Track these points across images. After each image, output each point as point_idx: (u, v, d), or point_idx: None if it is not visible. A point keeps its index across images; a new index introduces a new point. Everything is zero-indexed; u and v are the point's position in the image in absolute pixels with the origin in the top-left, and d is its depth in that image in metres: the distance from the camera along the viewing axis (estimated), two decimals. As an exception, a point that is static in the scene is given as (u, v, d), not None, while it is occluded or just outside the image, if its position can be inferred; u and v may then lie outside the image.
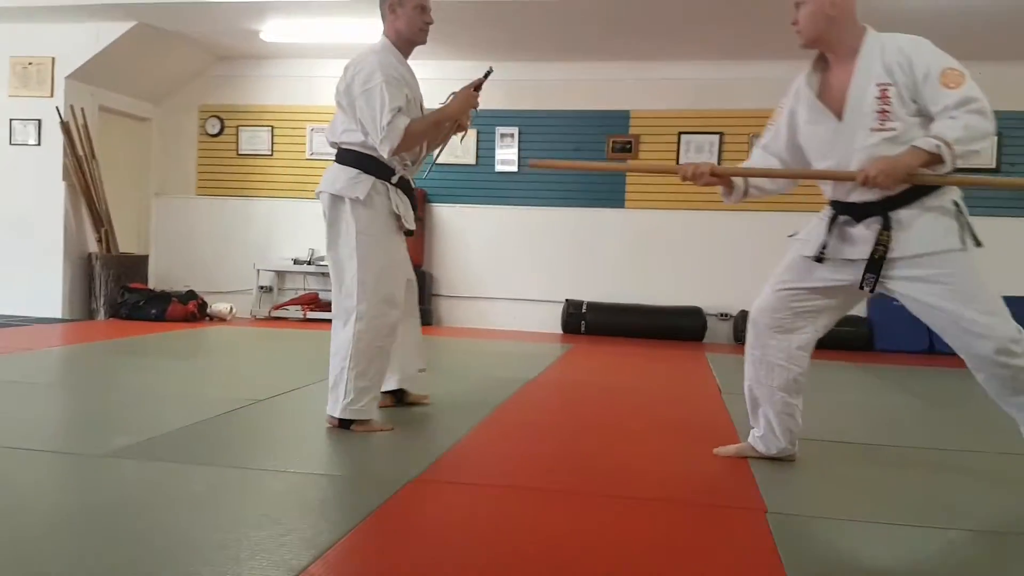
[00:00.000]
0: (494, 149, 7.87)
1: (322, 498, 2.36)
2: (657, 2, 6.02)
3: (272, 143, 8.21)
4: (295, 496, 2.33)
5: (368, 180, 3.04)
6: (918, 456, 3.11)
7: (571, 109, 7.72)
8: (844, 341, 6.94)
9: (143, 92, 8.10)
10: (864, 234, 2.52)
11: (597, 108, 7.67)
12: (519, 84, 7.71)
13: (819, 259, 2.58)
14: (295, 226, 8.07)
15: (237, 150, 8.29)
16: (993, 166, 7.13)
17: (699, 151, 7.53)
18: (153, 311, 7.22)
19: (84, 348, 5.53)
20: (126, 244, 7.82)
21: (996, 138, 7.06)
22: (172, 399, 3.68)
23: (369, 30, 6.90)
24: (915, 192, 2.44)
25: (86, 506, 2.18)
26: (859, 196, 2.50)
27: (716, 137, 7.50)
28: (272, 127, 8.20)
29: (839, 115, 2.52)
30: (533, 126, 7.81)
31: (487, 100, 7.83)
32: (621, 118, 7.67)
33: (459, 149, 7.80)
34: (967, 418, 4.00)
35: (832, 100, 2.55)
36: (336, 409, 3.07)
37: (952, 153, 2.31)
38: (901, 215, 2.46)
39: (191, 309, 7.36)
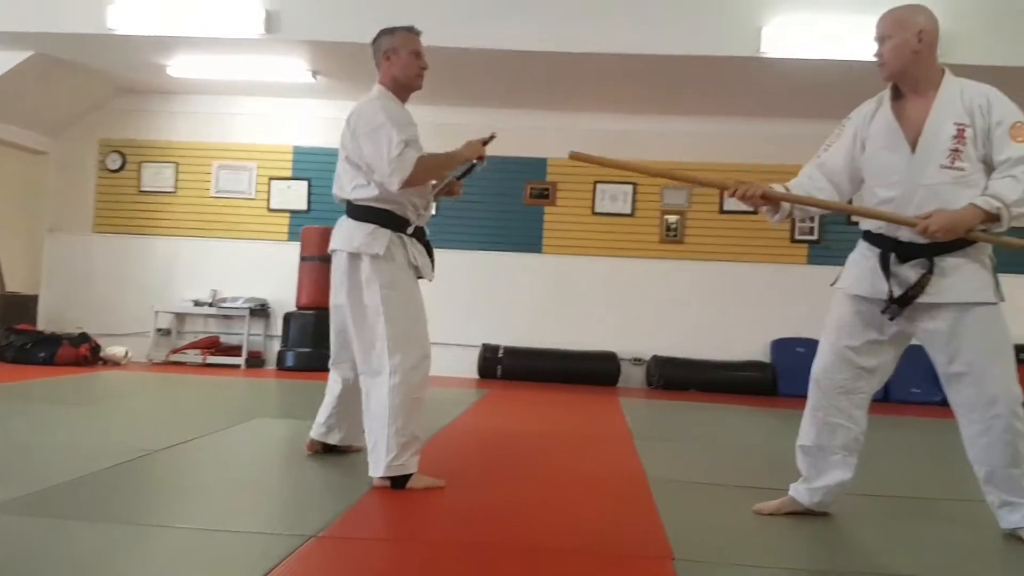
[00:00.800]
0: (409, 192, 7.81)
1: (218, 556, 2.21)
2: (571, 61, 6.16)
3: (176, 180, 7.94)
4: (190, 554, 2.18)
5: (385, 234, 2.99)
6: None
7: (490, 154, 7.72)
8: (748, 385, 7.14)
9: (39, 124, 7.72)
10: (908, 275, 2.54)
11: (516, 155, 7.73)
12: (439, 128, 7.65)
13: (886, 309, 2.55)
14: (197, 266, 7.79)
15: (139, 186, 7.98)
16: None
17: (613, 199, 7.69)
18: (41, 354, 6.82)
19: (-39, 394, 5.14)
20: (14, 282, 7.38)
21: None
22: (59, 449, 3.44)
23: (281, 68, 6.87)
24: (961, 242, 2.48)
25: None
26: (909, 236, 2.53)
27: (630, 187, 7.67)
28: (177, 163, 7.94)
29: (913, 146, 2.55)
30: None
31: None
32: (539, 165, 7.77)
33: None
34: (866, 462, 4.11)
35: (908, 131, 2.57)
36: (379, 468, 2.92)
37: (1009, 215, 2.40)
38: (946, 262, 2.50)
39: (83, 352, 6.98)
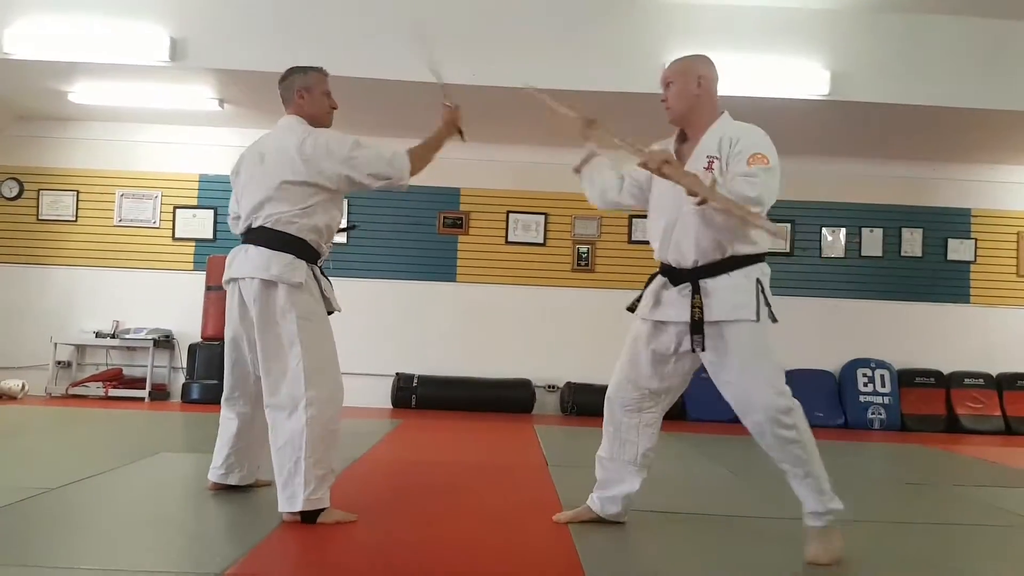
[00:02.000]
0: (321, 221, 7.77)
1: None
2: (490, 93, 6.28)
3: (76, 208, 7.69)
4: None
5: (303, 264, 3.00)
6: (734, 524, 3.29)
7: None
8: (659, 411, 7.32)
9: (-72, 149, 7.38)
10: (676, 298, 2.76)
11: (429, 184, 7.79)
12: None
13: (633, 310, 2.87)
14: (99, 297, 7.54)
15: (37, 215, 7.70)
16: (787, 250, 7.90)
17: (526, 229, 7.84)
18: (-73, 390, 6.46)
19: None
20: None
21: (790, 225, 7.86)
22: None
23: (186, 96, 6.76)
24: (723, 266, 2.70)
25: None
26: (675, 259, 2.77)
27: (542, 217, 7.83)
28: (77, 191, 7.69)
29: None
30: (363, 198, 7.80)
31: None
32: (452, 195, 7.85)
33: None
34: (771, 486, 4.29)
35: None
36: (296, 503, 2.86)
37: (718, 193, 2.56)
38: (708, 284, 2.70)
39: (-25, 388, 6.65)
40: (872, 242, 7.98)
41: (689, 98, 2.83)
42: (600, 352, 7.84)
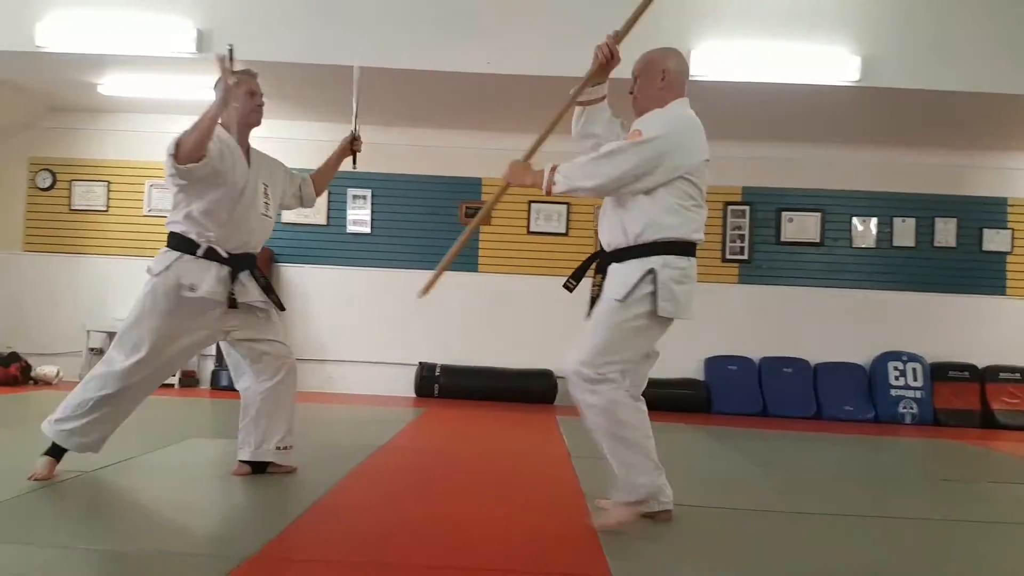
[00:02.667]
0: (345, 210, 7.83)
1: (148, 579, 2.21)
2: (509, 82, 6.27)
3: (108, 199, 7.80)
4: (118, 578, 2.17)
5: (171, 255, 3.30)
6: (758, 518, 3.25)
7: (425, 174, 7.84)
8: (683, 403, 7.28)
9: (-36, 141, 7.53)
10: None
11: (450, 174, 7.82)
12: (373, 147, 7.70)
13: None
14: (129, 285, 7.59)
15: (70, 205, 7.82)
16: (817, 239, 7.80)
17: (548, 219, 7.82)
18: (-33, 375, 6.63)
19: None
20: (-63, 303, 7.16)
21: (819, 214, 7.76)
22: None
23: (209, 88, 6.76)
24: (626, 253, 2.82)
25: None
26: (604, 242, 2.98)
27: (564, 207, 7.80)
28: (108, 182, 7.81)
29: None
30: (387, 189, 7.85)
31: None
32: (474, 185, 7.85)
33: (308, 209, 7.72)
34: (799, 481, 4.26)
35: None
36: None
37: (552, 176, 2.88)
38: (611, 267, 2.88)
39: (13, 372, 6.83)
40: (904, 232, 7.85)
41: (653, 92, 2.91)
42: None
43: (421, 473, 4.02)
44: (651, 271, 2.76)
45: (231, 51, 3.20)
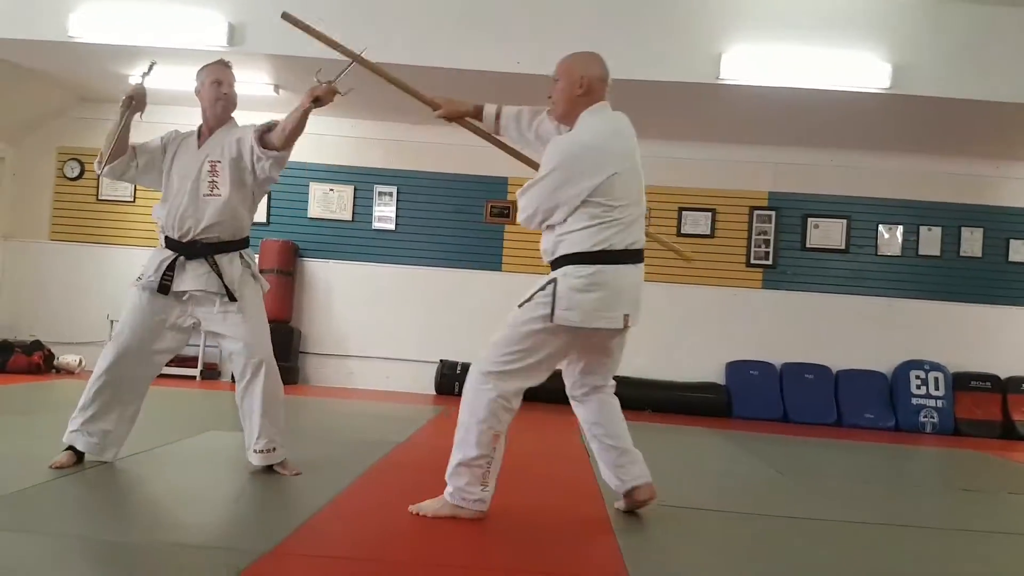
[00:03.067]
0: (372, 207, 7.86)
1: (169, 571, 2.22)
2: (535, 83, 6.24)
3: (135, 190, 7.88)
4: (140, 568, 2.19)
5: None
6: (778, 523, 3.23)
7: (451, 172, 7.85)
8: (703, 407, 7.25)
9: (-3, 130, 7.63)
10: None
11: (476, 173, 7.82)
12: (400, 144, 7.80)
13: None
14: (156, 276, 7.71)
15: (97, 195, 7.91)
16: (843, 247, 7.74)
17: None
18: (-8, 362, 6.72)
19: (-94, 402, 5.04)
20: (-35, 289, 7.26)
21: (845, 221, 7.71)
22: (8, 459, 3.41)
23: (243, 81, 6.82)
24: (555, 264, 2.93)
25: None
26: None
27: (588, 206, 7.77)
28: (137, 173, 7.88)
29: None
30: (412, 186, 7.87)
31: (367, 157, 7.82)
32: (499, 184, 7.85)
33: (334, 204, 7.78)
34: (818, 487, 4.23)
35: None
36: None
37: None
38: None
39: (36, 361, 6.89)
40: (930, 241, 7.77)
41: (571, 98, 2.91)
42: (643, 346, 7.70)
43: (440, 471, 4.01)
44: (552, 280, 2.83)
45: (151, 66, 3.60)
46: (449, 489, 2.84)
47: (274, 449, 3.39)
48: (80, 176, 7.92)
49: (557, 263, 2.85)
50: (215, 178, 3.34)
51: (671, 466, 4.53)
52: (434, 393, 7.44)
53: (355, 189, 7.81)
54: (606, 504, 3.24)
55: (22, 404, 5.37)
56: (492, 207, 7.84)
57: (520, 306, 2.86)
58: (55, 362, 7.12)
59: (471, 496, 2.82)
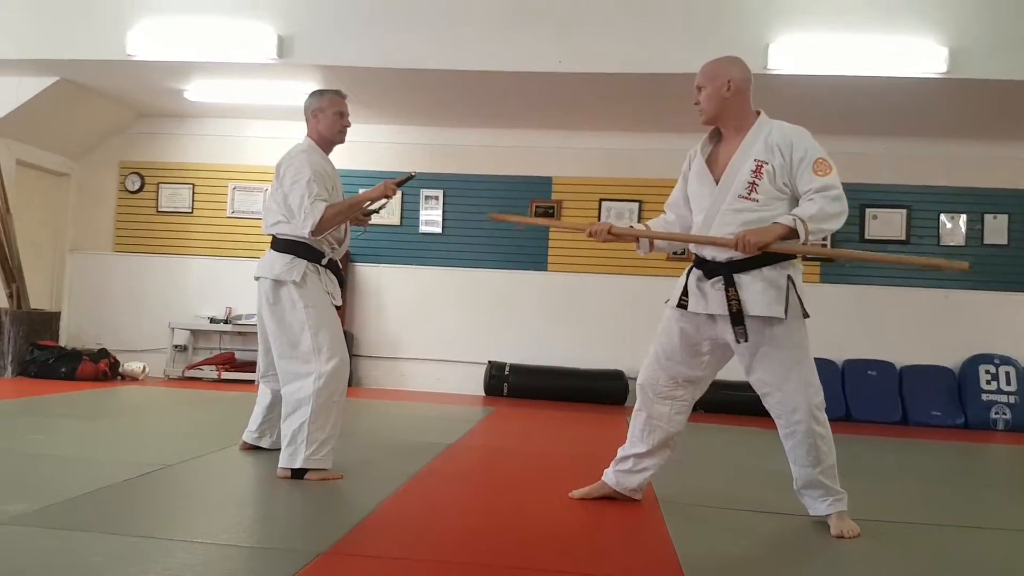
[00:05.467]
0: (419, 210, 7.93)
1: (229, 570, 2.27)
2: (578, 80, 6.23)
3: (193, 201, 8.09)
4: (202, 568, 2.24)
5: (302, 263, 3.45)
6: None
7: (495, 174, 7.87)
8: (760, 406, 7.07)
9: (62, 147, 7.91)
10: (711, 292, 2.85)
11: (521, 173, 7.83)
12: (444, 148, 7.85)
13: (682, 305, 2.94)
14: (213, 284, 7.92)
15: (157, 207, 8.14)
16: (903, 238, 7.53)
17: (619, 217, 7.73)
18: (63, 369, 6.96)
19: (-18, 410, 5.25)
20: (37, 300, 7.54)
21: (905, 211, 7.49)
22: (76, 463, 3.52)
23: (292, 92, 6.98)
24: (756, 261, 2.77)
25: (-30, 583, 2.05)
26: (710, 254, 2.88)
27: (636, 204, 7.72)
28: (193, 185, 8.10)
29: (717, 180, 2.90)
30: (458, 189, 7.91)
31: (413, 162, 7.91)
32: (544, 184, 7.84)
33: (383, 209, 7.85)
34: (882, 488, 4.12)
35: (716, 167, 2.94)
36: (296, 461, 3.31)
37: (806, 228, 2.70)
38: (742, 279, 2.79)
39: (102, 368, 7.11)
40: (996, 229, 7.50)
41: (720, 100, 2.92)
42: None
43: (489, 472, 4.03)
44: (790, 278, 2.79)
45: (410, 177, 3.72)
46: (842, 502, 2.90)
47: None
48: (140, 189, 8.17)
49: (773, 256, 2.78)
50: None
51: (725, 466, 4.47)
52: (483, 394, 7.46)
53: (403, 193, 7.89)
54: (660, 504, 3.21)
55: (90, 410, 5.55)
56: (537, 207, 7.82)
57: (784, 322, 2.77)
58: (120, 369, 7.34)
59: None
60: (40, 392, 6.02)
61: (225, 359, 7.72)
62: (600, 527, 2.93)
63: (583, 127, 7.60)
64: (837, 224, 2.77)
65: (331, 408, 3.36)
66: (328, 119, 3.59)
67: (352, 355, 7.75)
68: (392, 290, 7.91)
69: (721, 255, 2.84)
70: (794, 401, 2.81)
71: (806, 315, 2.80)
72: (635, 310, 7.65)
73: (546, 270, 7.81)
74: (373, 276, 7.94)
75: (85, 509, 2.75)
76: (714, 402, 7.05)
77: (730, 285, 2.80)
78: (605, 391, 7.36)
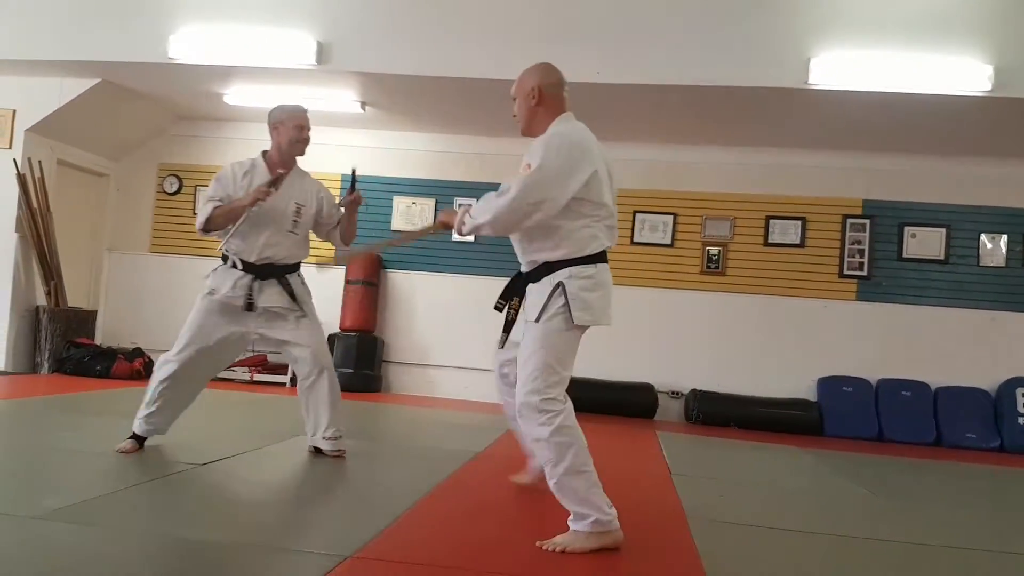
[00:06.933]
0: (453, 219, 7.94)
1: (256, 572, 2.28)
2: (619, 92, 6.21)
3: (230, 204, 8.18)
4: (230, 567, 2.25)
5: (220, 265, 3.87)
6: (869, 546, 3.10)
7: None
8: (792, 424, 7.02)
9: (103, 148, 8.06)
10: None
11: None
12: (479, 157, 7.87)
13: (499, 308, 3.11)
14: (248, 287, 7.98)
15: (194, 209, 8.24)
16: (942, 257, 7.41)
17: (653, 229, 7.70)
18: (98, 367, 7.06)
19: (23, 403, 5.35)
20: (75, 298, 7.66)
21: (944, 230, 7.36)
22: (110, 460, 3.56)
23: (331, 98, 7.06)
24: (541, 271, 2.82)
25: (9, 574, 2.08)
26: (524, 268, 2.94)
27: (671, 217, 7.67)
28: (231, 188, 8.19)
29: None
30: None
31: (448, 171, 7.92)
32: (578, 194, 7.80)
33: (416, 217, 7.90)
34: (915, 510, 4.04)
35: None
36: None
37: (470, 219, 2.81)
38: (530, 287, 2.87)
39: (137, 367, 7.20)
40: (1038, 251, 7.35)
41: (529, 111, 2.93)
42: (728, 359, 7.65)
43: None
44: (561, 284, 2.77)
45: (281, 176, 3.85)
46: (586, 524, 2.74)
47: (340, 436, 3.91)
48: (178, 191, 8.28)
49: (554, 265, 2.80)
50: (297, 219, 3.94)
51: (756, 484, 4.40)
52: (515, 404, 7.42)
53: (436, 202, 7.92)
54: (688, 521, 3.17)
55: (125, 407, 5.60)
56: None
57: (536, 321, 2.78)
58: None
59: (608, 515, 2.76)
60: (75, 389, 6.11)
61: (258, 361, 7.78)
62: (628, 542, 2.89)
63: (617, 138, 7.56)
64: (484, 219, 2.79)
65: (156, 385, 3.72)
66: (288, 132, 3.83)
67: (382, 361, 7.81)
68: (424, 297, 7.93)
69: (527, 267, 2.98)
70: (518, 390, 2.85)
71: (570, 322, 2.78)
72: (667, 323, 7.61)
73: (577, 281, 7.77)
74: (406, 283, 7.97)
75: (117, 507, 2.79)
76: (750, 419, 7.01)
77: (521, 296, 3.00)
78: (635, 404, 7.32)
